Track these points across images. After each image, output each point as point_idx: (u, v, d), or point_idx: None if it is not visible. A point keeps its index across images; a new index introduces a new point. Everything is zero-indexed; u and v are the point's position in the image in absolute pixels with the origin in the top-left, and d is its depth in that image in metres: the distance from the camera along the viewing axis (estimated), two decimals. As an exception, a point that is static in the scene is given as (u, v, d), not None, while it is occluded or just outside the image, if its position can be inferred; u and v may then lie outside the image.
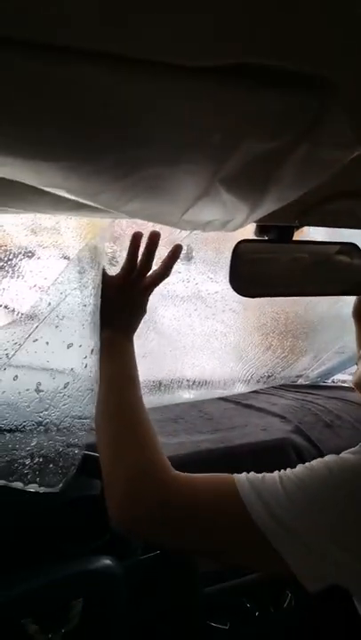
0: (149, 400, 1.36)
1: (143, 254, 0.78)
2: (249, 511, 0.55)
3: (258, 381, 1.54)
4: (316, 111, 0.50)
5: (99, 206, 0.53)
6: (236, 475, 0.60)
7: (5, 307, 1.13)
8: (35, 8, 0.34)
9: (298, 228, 0.93)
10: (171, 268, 0.80)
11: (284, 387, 1.60)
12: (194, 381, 1.42)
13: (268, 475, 0.60)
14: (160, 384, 1.35)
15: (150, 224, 0.77)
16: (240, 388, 1.52)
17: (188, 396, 1.44)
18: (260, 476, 0.60)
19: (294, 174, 0.55)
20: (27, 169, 0.46)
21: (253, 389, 1.56)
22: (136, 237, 0.77)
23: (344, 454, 0.61)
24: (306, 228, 1.27)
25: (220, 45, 0.41)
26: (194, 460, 1.11)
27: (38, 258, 1.11)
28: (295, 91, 0.49)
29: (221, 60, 0.42)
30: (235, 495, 0.57)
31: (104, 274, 0.76)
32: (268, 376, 1.55)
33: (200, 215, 0.60)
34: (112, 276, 0.78)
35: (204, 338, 1.34)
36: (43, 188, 0.50)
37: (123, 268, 0.78)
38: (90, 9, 0.34)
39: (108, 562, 0.84)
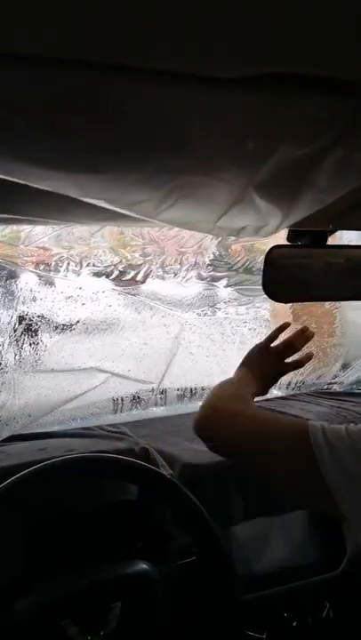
0: (187, 407, 1.37)
1: (287, 344, 0.93)
2: (314, 450, 0.58)
3: (289, 387, 1.53)
4: (351, 116, 0.51)
5: (136, 215, 0.54)
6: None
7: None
8: (79, 30, 0.36)
9: (332, 232, 0.93)
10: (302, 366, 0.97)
11: (319, 394, 1.57)
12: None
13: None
14: (192, 391, 1.36)
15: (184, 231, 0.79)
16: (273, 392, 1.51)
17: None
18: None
19: (329, 178, 0.56)
20: (68, 182, 0.49)
21: (286, 395, 1.55)
22: (283, 327, 0.95)
23: None
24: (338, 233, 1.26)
25: (259, 57, 0.42)
26: (227, 467, 1.11)
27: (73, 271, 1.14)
28: (329, 97, 0.49)
29: (260, 70, 0.43)
30: (305, 431, 0.60)
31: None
32: (302, 382, 1.54)
33: (234, 222, 0.61)
34: (257, 345, 0.95)
35: (235, 345, 1.34)
36: (82, 199, 0.52)
37: (261, 344, 0.94)
38: (129, 27, 0.36)
39: (145, 566, 0.84)
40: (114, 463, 0.92)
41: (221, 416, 0.76)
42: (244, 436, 0.70)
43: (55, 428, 1.17)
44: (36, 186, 0.49)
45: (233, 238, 1.17)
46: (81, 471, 0.90)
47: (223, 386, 0.87)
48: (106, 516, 0.97)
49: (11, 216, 0.67)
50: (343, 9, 0.37)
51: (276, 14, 0.37)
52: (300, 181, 0.56)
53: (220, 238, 1.18)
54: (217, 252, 1.25)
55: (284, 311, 1.46)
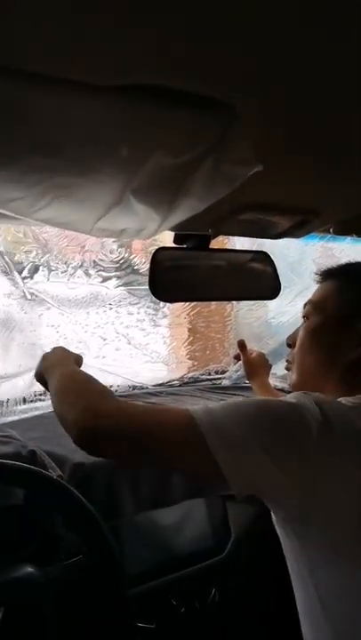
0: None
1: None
2: (193, 415, 0.63)
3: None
4: (218, 130, 0.55)
5: (10, 214, 0.54)
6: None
7: None
8: None
9: (214, 236, 0.98)
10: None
11: (209, 388, 1.65)
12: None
13: None
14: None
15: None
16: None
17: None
18: None
19: (201, 187, 0.59)
20: None
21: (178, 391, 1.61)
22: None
23: None
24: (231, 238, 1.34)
25: (129, 67, 0.44)
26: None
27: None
28: (199, 111, 0.52)
29: (130, 80, 0.45)
30: (185, 410, 0.65)
31: None
32: (193, 378, 1.61)
33: (113, 223, 0.63)
34: None
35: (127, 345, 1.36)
36: None
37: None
38: (6, 29, 0.36)
39: (29, 569, 0.83)
40: (-2, 467, 0.89)
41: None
42: (137, 436, 0.67)
43: None
44: None
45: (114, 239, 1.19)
46: None
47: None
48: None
49: None
50: (215, 31, 0.40)
51: (155, 29, 0.39)
52: (175, 188, 0.59)
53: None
54: (109, 253, 1.26)
55: (178, 310, 1.51)
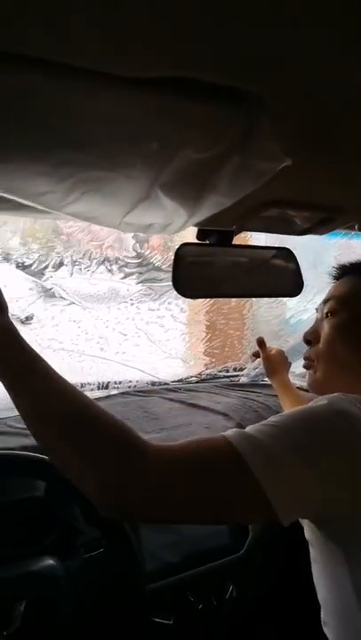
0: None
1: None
2: (236, 447, 0.56)
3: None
4: (246, 125, 0.54)
5: (41, 207, 0.54)
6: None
7: None
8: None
9: (237, 232, 0.98)
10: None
11: (227, 385, 1.65)
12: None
13: None
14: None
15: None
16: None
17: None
18: None
19: (228, 182, 0.59)
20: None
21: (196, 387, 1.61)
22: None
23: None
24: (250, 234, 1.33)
25: (158, 59, 0.43)
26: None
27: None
28: (227, 104, 0.52)
29: (158, 72, 0.45)
30: (222, 439, 0.57)
31: None
32: (211, 374, 1.60)
33: (141, 218, 0.63)
34: None
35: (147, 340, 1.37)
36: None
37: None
38: (38, 22, 0.36)
39: (50, 562, 0.84)
40: (20, 460, 0.90)
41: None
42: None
43: None
44: None
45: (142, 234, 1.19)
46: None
47: None
48: (12, 514, 0.94)
49: None
50: (242, 24, 0.40)
51: (178, 20, 0.39)
52: (202, 184, 0.59)
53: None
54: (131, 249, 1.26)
55: (196, 306, 1.51)
